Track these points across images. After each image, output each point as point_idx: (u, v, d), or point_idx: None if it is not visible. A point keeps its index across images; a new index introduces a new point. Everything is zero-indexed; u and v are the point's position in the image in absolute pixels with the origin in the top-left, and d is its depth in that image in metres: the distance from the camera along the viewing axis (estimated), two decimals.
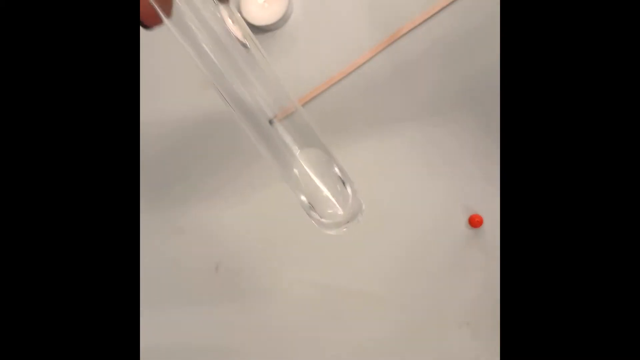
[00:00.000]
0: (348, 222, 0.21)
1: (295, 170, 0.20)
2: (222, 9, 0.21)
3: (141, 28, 0.29)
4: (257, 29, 0.42)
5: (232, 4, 0.42)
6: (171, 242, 0.42)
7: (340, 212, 0.20)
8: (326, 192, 0.20)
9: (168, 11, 0.25)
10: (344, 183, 0.21)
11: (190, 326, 0.41)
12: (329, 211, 0.21)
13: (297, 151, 0.20)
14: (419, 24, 0.39)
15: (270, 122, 0.41)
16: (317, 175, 0.21)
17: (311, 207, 0.21)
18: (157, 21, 0.24)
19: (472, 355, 0.37)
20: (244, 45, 0.21)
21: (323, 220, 0.21)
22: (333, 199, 0.20)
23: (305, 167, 0.20)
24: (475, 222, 0.36)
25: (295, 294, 0.40)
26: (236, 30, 0.21)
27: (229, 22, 0.21)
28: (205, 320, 0.41)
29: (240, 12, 0.41)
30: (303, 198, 0.21)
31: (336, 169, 0.20)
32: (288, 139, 0.20)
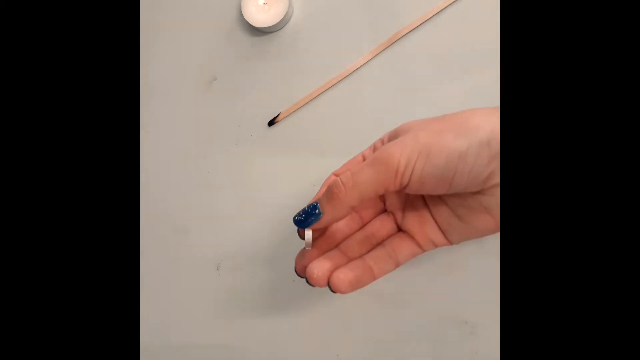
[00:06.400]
0: None
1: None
2: None
3: None
4: (257, 31, 0.42)
5: (234, 6, 0.42)
6: (172, 242, 0.42)
7: None
8: None
9: None
10: None
11: (190, 326, 0.41)
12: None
13: None
14: (419, 26, 0.39)
15: (271, 123, 0.41)
16: None
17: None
18: None
19: (469, 353, 0.37)
20: None
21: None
22: None
23: None
24: None
25: (295, 293, 0.40)
26: None
27: None
28: (205, 319, 0.41)
29: (241, 14, 0.41)
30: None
31: None
32: None
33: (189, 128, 0.43)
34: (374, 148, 0.31)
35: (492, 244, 0.37)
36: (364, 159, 0.32)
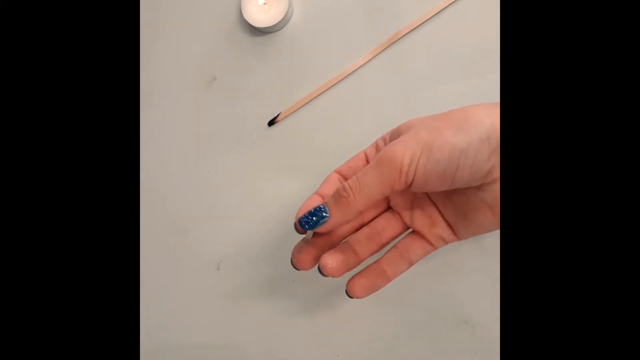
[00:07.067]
0: None
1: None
2: None
3: None
4: (257, 31, 0.42)
5: (234, 6, 0.42)
6: (172, 242, 0.42)
7: None
8: None
9: None
10: None
11: (190, 326, 0.41)
12: None
13: None
14: (419, 26, 0.39)
15: (271, 123, 0.41)
16: None
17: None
18: None
19: (469, 353, 0.37)
20: None
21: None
22: None
23: None
24: None
25: (295, 293, 0.40)
26: None
27: None
28: (205, 319, 0.41)
29: (241, 14, 0.41)
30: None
31: None
32: None
33: (189, 128, 0.43)
34: (376, 146, 0.32)
35: (491, 244, 0.37)
36: (366, 157, 0.32)
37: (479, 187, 0.26)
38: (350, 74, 0.40)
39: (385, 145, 0.30)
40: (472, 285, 0.37)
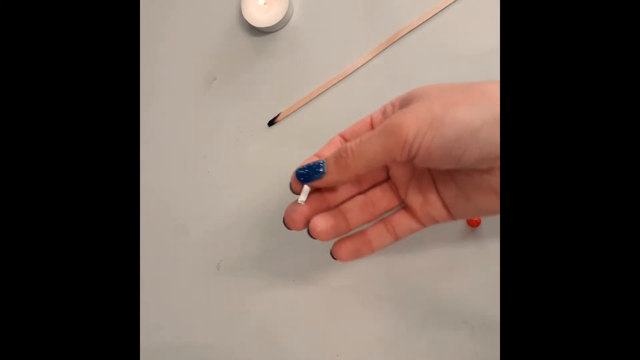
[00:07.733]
0: None
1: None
2: None
3: None
4: (257, 31, 0.42)
5: (234, 6, 0.42)
6: (172, 242, 0.42)
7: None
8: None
9: None
10: None
11: (190, 326, 0.41)
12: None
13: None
14: (419, 26, 0.39)
15: (271, 123, 0.41)
16: None
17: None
18: None
19: (469, 353, 0.37)
20: None
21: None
22: None
23: None
24: (473, 220, 0.37)
25: (295, 293, 0.40)
26: None
27: None
28: (205, 319, 0.41)
29: (241, 14, 0.41)
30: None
31: None
32: None
33: (189, 128, 0.43)
34: (384, 110, 0.31)
35: (492, 244, 0.37)
36: (372, 121, 0.31)
37: (486, 170, 0.25)
38: (350, 73, 0.40)
39: (394, 111, 0.29)
40: (472, 285, 0.37)
